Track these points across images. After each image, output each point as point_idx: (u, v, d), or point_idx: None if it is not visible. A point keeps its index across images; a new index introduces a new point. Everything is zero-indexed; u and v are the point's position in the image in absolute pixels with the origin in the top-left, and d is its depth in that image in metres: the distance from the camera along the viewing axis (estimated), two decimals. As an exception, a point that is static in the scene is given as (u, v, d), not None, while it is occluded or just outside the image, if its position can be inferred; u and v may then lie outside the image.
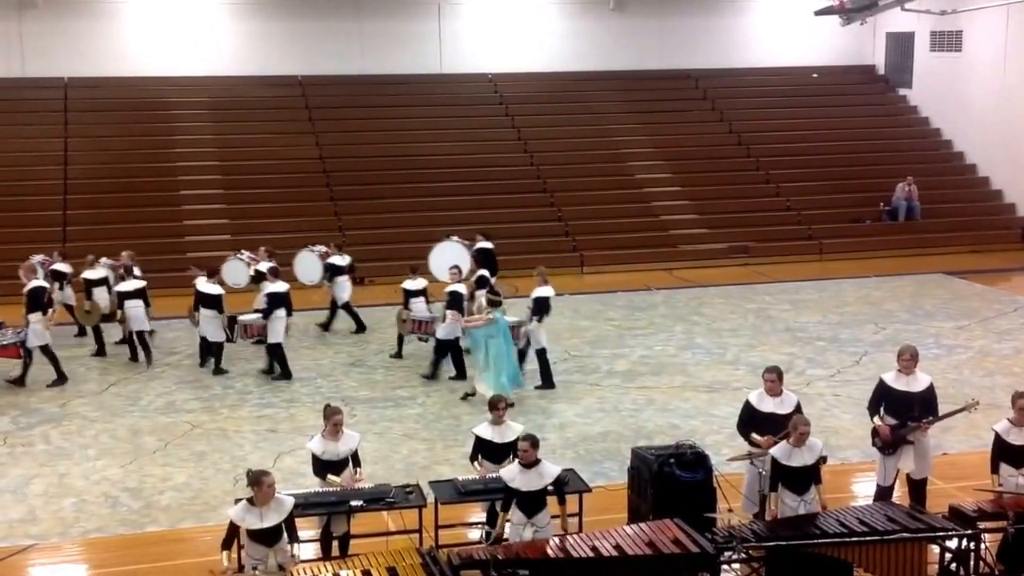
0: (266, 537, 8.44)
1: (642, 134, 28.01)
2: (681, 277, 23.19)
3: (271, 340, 15.88)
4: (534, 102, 28.38)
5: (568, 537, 8.67)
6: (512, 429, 10.01)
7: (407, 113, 27.25)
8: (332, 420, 9.82)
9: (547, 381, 15.37)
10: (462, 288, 15.85)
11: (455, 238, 19.13)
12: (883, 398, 10.50)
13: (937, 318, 19.29)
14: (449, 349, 15.75)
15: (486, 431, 10.09)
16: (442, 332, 15.72)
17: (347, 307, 18.55)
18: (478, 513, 10.25)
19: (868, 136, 28.62)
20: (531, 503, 9.01)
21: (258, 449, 13.13)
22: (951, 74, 28.49)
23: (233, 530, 8.45)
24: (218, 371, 16.15)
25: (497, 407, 10.06)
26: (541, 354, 15.41)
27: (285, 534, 8.49)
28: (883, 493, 10.47)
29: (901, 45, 30.18)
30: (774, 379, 10.20)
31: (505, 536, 9.11)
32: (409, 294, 16.87)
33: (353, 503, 9.48)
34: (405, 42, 28.02)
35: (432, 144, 26.36)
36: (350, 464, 9.89)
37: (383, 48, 27.94)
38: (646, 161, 27.31)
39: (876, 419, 10.48)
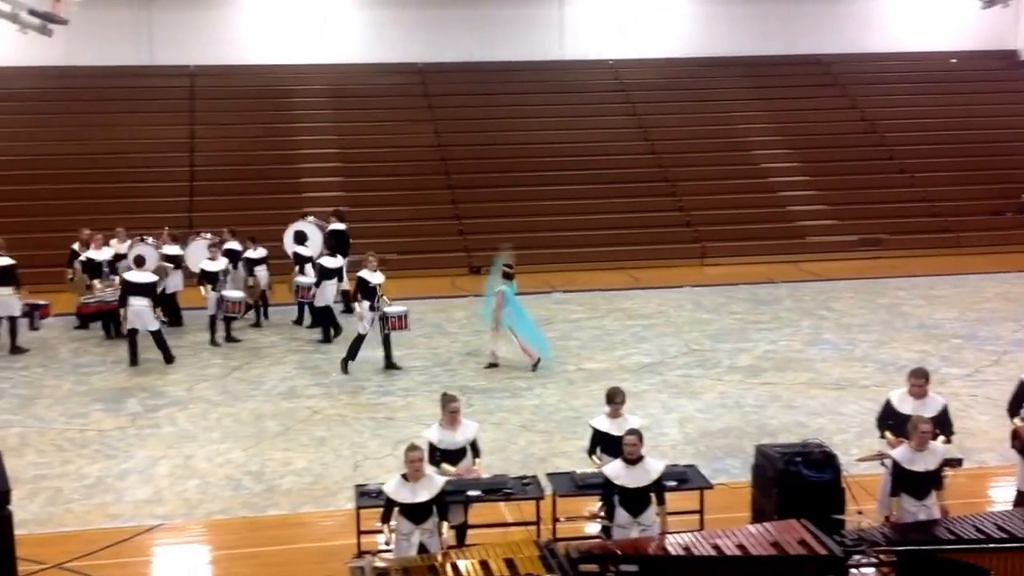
0: (415, 513, 8.53)
1: (768, 122, 27.34)
2: (807, 270, 22.52)
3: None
4: (655, 89, 27.95)
5: (690, 534, 8.44)
6: (629, 422, 9.81)
7: (526, 100, 27.14)
8: (449, 408, 9.83)
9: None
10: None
11: (311, 218, 19.39)
12: (1025, 399, 9.99)
13: (1083, 316, 18.33)
14: (324, 316, 17.14)
15: (603, 424, 9.93)
16: (319, 300, 17.05)
17: (172, 297, 18.48)
18: (596, 507, 10.04)
19: (1009, 124, 27.38)
20: (637, 501, 8.83)
21: (377, 436, 13.19)
22: (1099, 58, 27.04)
23: (390, 504, 8.60)
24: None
25: (615, 400, 9.90)
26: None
27: (435, 514, 8.58)
28: (1024, 499, 9.96)
29: (1045, 28, 28.79)
30: (921, 383, 9.77)
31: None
32: (253, 263, 18.16)
33: (470, 493, 9.46)
34: (525, 29, 27.90)
35: (551, 132, 26.18)
36: (468, 453, 9.86)
37: (503, 35, 27.87)
38: (772, 150, 26.63)
39: (1016, 420, 10.02)
